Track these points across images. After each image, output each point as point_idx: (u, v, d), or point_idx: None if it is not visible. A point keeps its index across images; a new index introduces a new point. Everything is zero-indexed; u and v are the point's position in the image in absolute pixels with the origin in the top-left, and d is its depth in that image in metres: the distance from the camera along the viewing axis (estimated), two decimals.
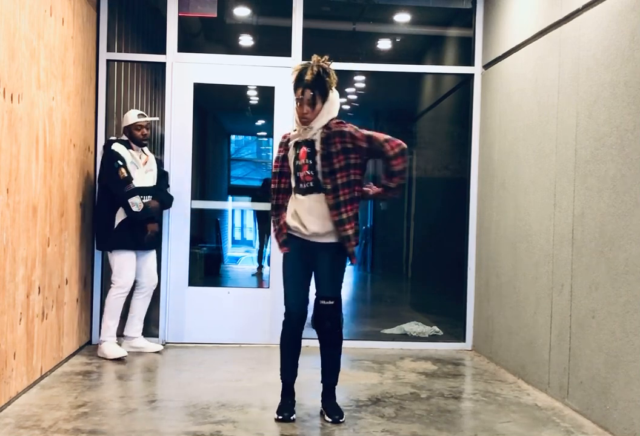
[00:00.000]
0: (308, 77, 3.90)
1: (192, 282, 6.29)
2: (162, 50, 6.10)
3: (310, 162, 3.97)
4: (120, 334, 5.68)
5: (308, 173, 3.98)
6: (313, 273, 4.10)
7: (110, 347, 5.44)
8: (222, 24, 7.28)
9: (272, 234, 4.28)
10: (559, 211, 4.54)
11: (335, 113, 4.03)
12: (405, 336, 6.53)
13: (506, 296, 5.40)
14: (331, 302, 4.03)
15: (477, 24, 6.17)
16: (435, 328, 6.70)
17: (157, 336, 6.01)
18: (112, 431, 3.74)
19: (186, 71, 6.10)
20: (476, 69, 6.21)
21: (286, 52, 6.10)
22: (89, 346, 5.84)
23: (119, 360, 5.38)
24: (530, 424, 4.06)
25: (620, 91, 3.86)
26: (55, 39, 4.82)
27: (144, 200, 5.53)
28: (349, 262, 4.10)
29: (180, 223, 6.08)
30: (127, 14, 6.84)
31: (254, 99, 11.62)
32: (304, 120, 3.97)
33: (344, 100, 8.84)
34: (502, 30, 5.66)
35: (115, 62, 6.33)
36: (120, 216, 5.47)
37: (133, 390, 4.66)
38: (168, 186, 5.88)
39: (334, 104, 4.02)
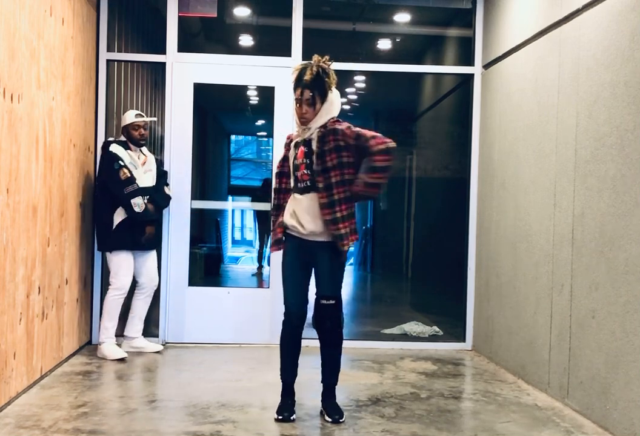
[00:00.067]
0: (307, 77, 3.91)
1: (192, 282, 6.29)
2: (162, 50, 6.10)
3: (308, 161, 3.98)
4: (120, 334, 5.68)
5: (305, 172, 3.99)
6: (313, 272, 4.11)
7: (109, 348, 5.44)
8: (222, 24, 7.28)
9: (272, 233, 4.28)
10: (559, 211, 4.54)
11: (335, 114, 4.03)
12: (405, 336, 6.53)
13: (506, 296, 5.40)
14: (332, 302, 4.03)
15: (477, 24, 6.17)
16: (435, 328, 6.70)
17: (157, 336, 6.01)
18: (112, 431, 3.74)
19: (186, 71, 6.10)
20: (476, 69, 6.21)
21: (286, 52, 6.10)
22: (89, 346, 5.84)
23: (119, 360, 5.38)
24: (530, 424, 4.06)
25: (620, 91, 3.86)
26: (55, 39, 4.82)
27: (144, 200, 5.53)
28: (349, 261, 4.10)
29: (180, 223, 6.08)
30: (127, 14, 6.84)
31: (254, 99, 11.62)
32: (303, 120, 3.98)
33: (344, 100, 8.82)
34: (502, 30, 5.66)
35: (115, 62, 6.33)
36: (118, 217, 5.47)
37: (133, 390, 4.66)
38: (167, 184, 5.87)
39: (334, 104, 4.02)
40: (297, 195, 4.04)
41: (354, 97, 11.22)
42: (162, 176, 5.80)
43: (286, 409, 4.04)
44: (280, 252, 4.22)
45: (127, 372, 5.08)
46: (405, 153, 11.86)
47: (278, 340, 4.19)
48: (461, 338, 6.27)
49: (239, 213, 21.07)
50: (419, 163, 11.18)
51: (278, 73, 6.11)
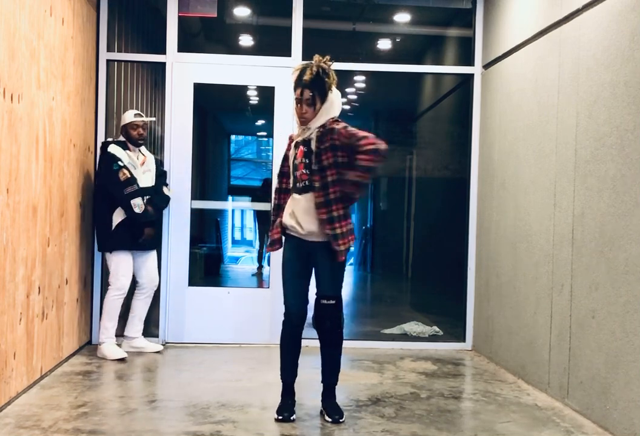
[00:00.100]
0: (307, 77, 3.91)
1: (192, 282, 6.29)
2: (162, 50, 6.10)
3: (307, 161, 3.98)
4: (120, 334, 5.68)
5: (304, 172, 3.99)
6: (313, 272, 4.11)
7: (109, 348, 5.44)
8: (222, 24, 7.28)
9: (270, 233, 4.28)
10: (559, 211, 4.54)
11: (335, 114, 4.03)
12: (405, 336, 6.53)
13: (506, 296, 5.40)
14: (332, 302, 4.02)
15: (477, 24, 6.17)
16: (435, 328, 6.70)
17: (157, 336, 6.01)
18: (112, 431, 3.74)
19: (186, 71, 6.10)
20: (476, 69, 6.21)
21: (286, 52, 6.10)
22: (89, 346, 5.84)
23: (119, 360, 5.38)
24: (530, 424, 4.06)
25: (620, 91, 3.86)
26: (55, 39, 4.82)
27: (144, 200, 5.53)
28: (349, 261, 4.10)
29: (180, 223, 6.08)
30: (127, 14, 6.84)
31: (254, 99, 11.62)
32: (303, 120, 3.99)
33: (344, 100, 8.84)
34: (502, 30, 5.66)
35: (115, 62, 6.33)
36: (118, 217, 5.46)
37: (133, 390, 4.66)
38: (166, 184, 5.87)
39: (334, 104, 4.01)
40: (295, 196, 4.04)
41: (354, 97, 11.22)
42: (161, 176, 5.80)
43: (286, 409, 4.04)
44: (280, 252, 4.22)
45: (127, 372, 5.08)
46: (405, 153, 11.87)
47: (278, 340, 4.20)
48: (461, 338, 6.27)
49: (239, 213, 21.07)
50: (419, 163, 11.18)
51: (278, 73, 6.11)
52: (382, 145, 3.84)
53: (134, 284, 5.71)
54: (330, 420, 4.00)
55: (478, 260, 6.12)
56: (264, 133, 17.31)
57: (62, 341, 5.12)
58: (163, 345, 5.92)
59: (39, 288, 4.55)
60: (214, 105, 12.18)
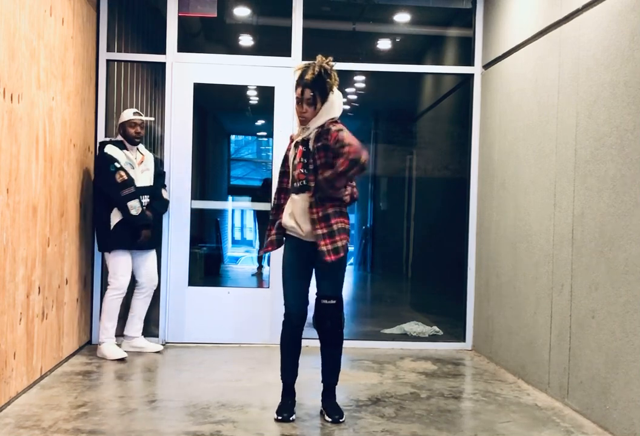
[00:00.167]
0: (308, 76, 3.91)
1: (192, 281, 6.29)
2: (162, 50, 6.10)
3: (305, 160, 3.98)
4: (120, 334, 5.68)
5: (301, 171, 3.99)
6: (314, 273, 4.11)
7: (109, 348, 5.44)
8: (222, 24, 7.28)
9: (267, 232, 4.27)
10: (559, 211, 4.54)
11: (335, 115, 4.02)
12: (405, 336, 6.53)
13: (506, 296, 5.40)
14: (333, 302, 4.02)
15: (477, 24, 6.17)
16: (435, 328, 6.70)
17: (157, 336, 6.01)
18: (112, 431, 3.74)
19: (186, 71, 6.10)
20: (476, 69, 6.21)
21: (286, 52, 6.10)
22: (89, 346, 5.84)
23: (119, 360, 5.38)
24: (530, 424, 4.06)
25: (620, 91, 3.86)
26: (55, 39, 4.82)
27: (142, 200, 5.53)
28: (349, 261, 4.09)
29: (180, 223, 6.07)
30: (127, 14, 6.84)
31: (254, 99, 11.62)
32: (302, 120, 3.99)
33: (344, 100, 8.87)
34: (502, 30, 5.66)
35: (115, 62, 6.33)
36: (115, 217, 5.45)
37: (133, 390, 4.66)
38: (164, 186, 5.87)
39: (334, 105, 4.01)
40: (293, 196, 4.05)
41: (354, 97, 11.22)
42: (160, 176, 5.79)
43: (286, 409, 4.04)
44: (280, 252, 4.22)
45: (127, 372, 5.08)
46: (405, 153, 11.87)
47: (278, 340, 4.20)
48: (461, 338, 6.27)
49: (239, 213, 21.06)
50: (419, 163, 11.18)
51: (278, 73, 6.12)
52: (363, 157, 3.83)
53: (133, 283, 5.71)
54: (330, 420, 4.00)
55: (478, 260, 6.12)
56: (264, 133, 17.31)
57: (62, 341, 5.12)
58: (163, 345, 5.92)
59: (39, 288, 4.55)
60: (214, 105, 12.18)
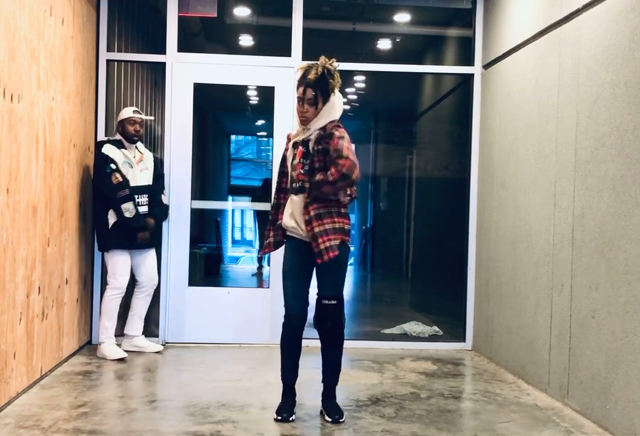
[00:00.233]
0: (311, 76, 3.91)
1: (192, 281, 6.29)
2: (162, 50, 6.10)
3: (304, 161, 3.98)
4: (120, 333, 5.68)
5: (300, 172, 3.99)
6: (314, 273, 4.10)
7: (109, 348, 5.44)
8: (222, 24, 7.28)
9: (266, 233, 4.26)
10: (559, 211, 4.54)
11: (336, 116, 4.02)
12: (405, 336, 6.53)
13: (506, 296, 5.40)
14: (333, 302, 4.02)
15: (477, 24, 6.17)
16: (435, 328, 6.70)
17: (157, 336, 6.01)
18: (112, 431, 3.74)
19: (186, 71, 6.10)
20: (476, 69, 6.21)
21: (286, 52, 6.10)
22: (89, 346, 5.84)
23: (119, 360, 5.37)
24: (530, 424, 4.06)
25: (620, 91, 3.86)
26: (55, 39, 4.82)
27: (140, 199, 5.52)
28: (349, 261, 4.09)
29: (180, 223, 6.07)
30: (127, 14, 6.84)
31: (254, 99, 11.62)
32: (303, 119, 3.98)
33: (344, 100, 8.88)
34: (502, 30, 5.66)
35: (115, 62, 6.33)
36: (113, 217, 5.44)
37: (133, 390, 4.66)
38: (163, 188, 5.86)
39: (335, 106, 4.01)
40: (293, 196, 4.05)
41: (354, 97, 11.22)
42: (159, 178, 5.79)
43: (285, 410, 4.04)
44: (280, 252, 4.22)
45: (127, 372, 5.08)
46: (405, 153, 11.87)
47: (278, 340, 4.19)
48: (461, 338, 6.27)
49: (239, 213, 21.06)
50: (419, 163, 11.18)
51: (278, 73, 6.12)
52: (354, 174, 3.84)
53: (133, 283, 5.71)
54: (330, 420, 4.00)
55: (478, 260, 6.12)
56: (264, 133, 17.31)
57: (62, 341, 5.12)
58: (163, 345, 5.92)
59: (39, 288, 4.55)
60: (214, 105, 12.17)
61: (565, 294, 4.41)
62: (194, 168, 6.34)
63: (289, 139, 4.18)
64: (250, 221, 19.78)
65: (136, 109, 5.67)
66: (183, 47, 6.13)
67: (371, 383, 4.89)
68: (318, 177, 3.90)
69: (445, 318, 7.07)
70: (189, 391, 4.59)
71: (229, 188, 17.59)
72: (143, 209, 5.58)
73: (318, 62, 3.97)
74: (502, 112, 5.63)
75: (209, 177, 13.49)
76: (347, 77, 8.96)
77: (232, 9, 7.09)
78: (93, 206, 5.74)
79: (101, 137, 5.96)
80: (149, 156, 5.74)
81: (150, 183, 5.67)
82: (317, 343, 4.14)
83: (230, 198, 17.82)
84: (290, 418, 3.99)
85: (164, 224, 6.01)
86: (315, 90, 3.93)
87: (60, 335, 5.08)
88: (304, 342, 4.16)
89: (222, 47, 7.74)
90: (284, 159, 4.19)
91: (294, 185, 4.03)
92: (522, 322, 5.08)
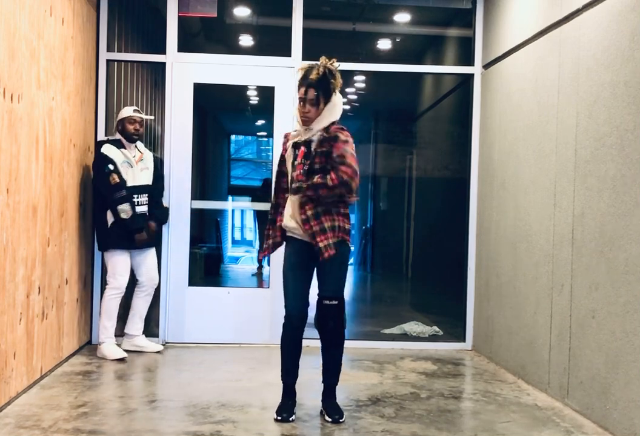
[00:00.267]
0: (313, 76, 3.91)
1: (192, 281, 6.29)
2: (162, 50, 6.10)
3: (304, 161, 3.98)
4: (121, 333, 5.68)
5: (300, 172, 3.98)
6: (315, 274, 4.10)
7: (109, 348, 5.44)
8: (222, 24, 7.28)
9: (265, 232, 4.26)
10: (559, 211, 4.54)
11: (337, 117, 4.02)
12: (405, 336, 6.53)
13: (506, 296, 5.40)
14: (334, 302, 4.02)
15: (477, 24, 6.17)
16: (435, 328, 6.70)
17: (157, 336, 6.01)
18: (112, 431, 3.74)
19: (186, 71, 6.10)
20: (476, 69, 6.21)
21: (286, 52, 6.10)
22: (89, 346, 5.84)
23: (119, 360, 5.37)
24: (530, 424, 4.06)
25: (620, 91, 3.86)
26: (55, 39, 4.82)
27: (140, 199, 5.52)
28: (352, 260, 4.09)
29: (180, 223, 6.07)
30: (127, 14, 6.84)
31: (254, 99, 11.62)
32: (305, 120, 3.97)
33: (344, 100, 8.88)
34: (502, 30, 5.66)
35: (115, 62, 6.33)
36: (112, 217, 5.45)
37: (133, 390, 4.66)
38: (163, 189, 5.86)
39: (336, 106, 4.01)
40: (292, 197, 4.04)
41: (354, 97, 11.22)
42: (159, 178, 5.79)
43: (285, 410, 4.04)
44: (280, 252, 4.22)
45: (127, 372, 5.08)
46: (405, 153, 11.87)
47: (278, 340, 4.19)
48: (461, 338, 6.27)
49: (239, 213, 21.06)
50: (419, 163, 11.18)
51: (278, 73, 6.12)
52: (354, 183, 3.87)
53: (134, 282, 5.71)
54: (330, 420, 4.00)
55: (478, 260, 6.12)
56: (264, 133, 17.31)
57: (62, 341, 5.12)
58: (163, 345, 5.92)
59: (39, 288, 4.55)
60: (214, 105, 12.18)
61: (565, 294, 4.41)
62: (194, 168, 6.34)
63: (287, 139, 4.17)
64: (250, 221, 19.78)
65: (136, 108, 5.67)
66: (183, 47, 6.13)
67: (371, 383, 4.89)
68: (316, 179, 3.90)
69: (445, 318, 7.07)
70: (189, 391, 4.59)
71: (229, 188, 17.60)
72: (143, 209, 5.58)
73: (318, 63, 3.97)
74: (502, 112, 5.63)
75: (209, 177, 13.49)
76: (347, 77, 8.96)
77: (232, 9, 7.09)
78: (93, 206, 5.74)
79: (101, 136, 5.95)
80: (148, 156, 5.74)
81: (150, 183, 5.67)
82: (317, 343, 4.14)
83: (230, 198, 17.83)
84: (290, 418, 3.99)
85: (164, 224, 6.01)
86: (317, 90, 3.93)
87: (60, 335, 5.08)
88: (304, 342, 4.16)
89: (222, 47, 7.74)
90: (282, 159, 4.18)
91: (293, 185, 4.02)
92: (522, 322, 5.08)
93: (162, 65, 6.11)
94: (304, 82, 3.95)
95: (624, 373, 3.74)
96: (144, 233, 5.51)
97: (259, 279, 11.17)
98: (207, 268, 9.83)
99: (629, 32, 3.80)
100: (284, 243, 4.16)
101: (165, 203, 5.87)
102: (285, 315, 4.09)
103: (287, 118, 6.03)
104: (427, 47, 9.04)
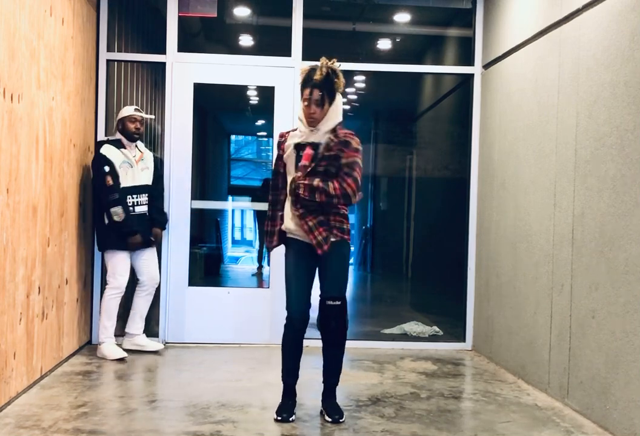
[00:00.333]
0: (317, 76, 3.91)
1: (192, 281, 6.29)
2: (162, 50, 6.10)
3: (309, 164, 3.97)
4: (121, 332, 5.68)
5: (303, 174, 3.96)
6: (317, 274, 4.09)
7: (109, 348, 5.44)
8: (222, 24, 7.28)
9: (265, 229, 4.26)
10: (559, 211, 4.54)
11: (340, 118, 4.02)
12: (405, 336, 6.53)
13: (506, 296, 5.40)
14: (337, 303, 4.02)
15: (477, 24, 6.17)
16: (435, 328, 6.70)
17: (157, 336, 6.01)
18: (112, 431, 3.74)
19: (186, 71, 6.10)
20: (476, 69, 6.21)
21: (286, 52, 6.10)
22: (89, 346, 5.84)
23: (119, 360, 5.37)
24: (530, 424, 4.06)
25: (620, 91, 3.86)
26: (55, 39, 4.82)
27: (140, 199, 5.51)
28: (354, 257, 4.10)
29: (180, 223, 6.07)
30: (127, 14, 6.84)
31: (254, 99, 11.62)
32: (311, 121, 3.96)
33: (344, 100, 8.88)
34: (502, 30, 5.66)
35: (115, 62, 6.33)
36: (107, 218, 5.44)
37: (133, 390, 4.66)
38: (163, 190, 5.86)
39: (339, 106, 4.02)
40: (291, 198, 4.03)
41: (354, 97, 11.22)
42: (159, 178, 5.78)
43: (285, 410, 4.04)
44: (280, 252, 4.22)
45: (127, 372, 5.08)
46: (405, 153, 11.87)
47: (278, 340, 4.19)
48: (461, 338, 6.27)
49: (239, 213, 21.07)
50: (419, 163, 11.18)
51: (278, 73, 6.12)
52: (355, 198, 3.92)
53: (134, 282, 5.71)
54: (330, 420, 4.00)
55: (478, 260, 6.12)
56: (264, 133, 17.31)
57: (62, 341, 5.12)
58: (163, 344, 5.92)
59: (39, 288, 4.55)
60: (214, 105, 12.18)
61: (565, 294, 4.41)
62: (194, 168, 6.34)
63: (284, 138, 4.14)
64: (250, 221, 19.78)
65: (137, 107, 5.67)
66: (183, 47, 6.12)
67: (371, 383, 4.89)
68: (316, 182, 3.90)
69: (445, 318, 7.07)
70: (189, 391, 4.59)
71: (229, 188, 17.60)
72: (142, 209, 5.58)
73: (318, 63, 3.97)
74: (502, 112, 5.63)
75: (209, 177, 13.49)
76: (347, 77, 8.88)
77: (232, 9, 7.09)
78: (93, 206, 5.74)
79: (101, 136, 5.95)
80: (149, 155, 5.74)
81: (150, 183, 5.67)
82: (317, 343, 4.14)
83: (230, 198, 17.83)
84: (290, 418, 3.99)
85: None
86: (321, 90, 3.93)
87: (60, 335, 5.08)
88: (305, 342, 4.16)
89: (222, 47, 7.74)
90: (280, 159, 4.16)
91: (293, 186, 4.01)
92: (522, 322, 5.08)
93: (162, 65, 6.11)
94: (309, 83, 3.95)
95: (624, 373, 3.74)
96: (137, 236, 5.47)
97: (259, 279, 11.17)
98: (207, 268, 9.84)
99: (629, 32, 3.80)
100: (286, 240, 4.16)
101: (165, 204, 5.86)
102: (287, 317, 4.08)
103: (287, 118, 6.03)
104: (427, 47, 9.04)
